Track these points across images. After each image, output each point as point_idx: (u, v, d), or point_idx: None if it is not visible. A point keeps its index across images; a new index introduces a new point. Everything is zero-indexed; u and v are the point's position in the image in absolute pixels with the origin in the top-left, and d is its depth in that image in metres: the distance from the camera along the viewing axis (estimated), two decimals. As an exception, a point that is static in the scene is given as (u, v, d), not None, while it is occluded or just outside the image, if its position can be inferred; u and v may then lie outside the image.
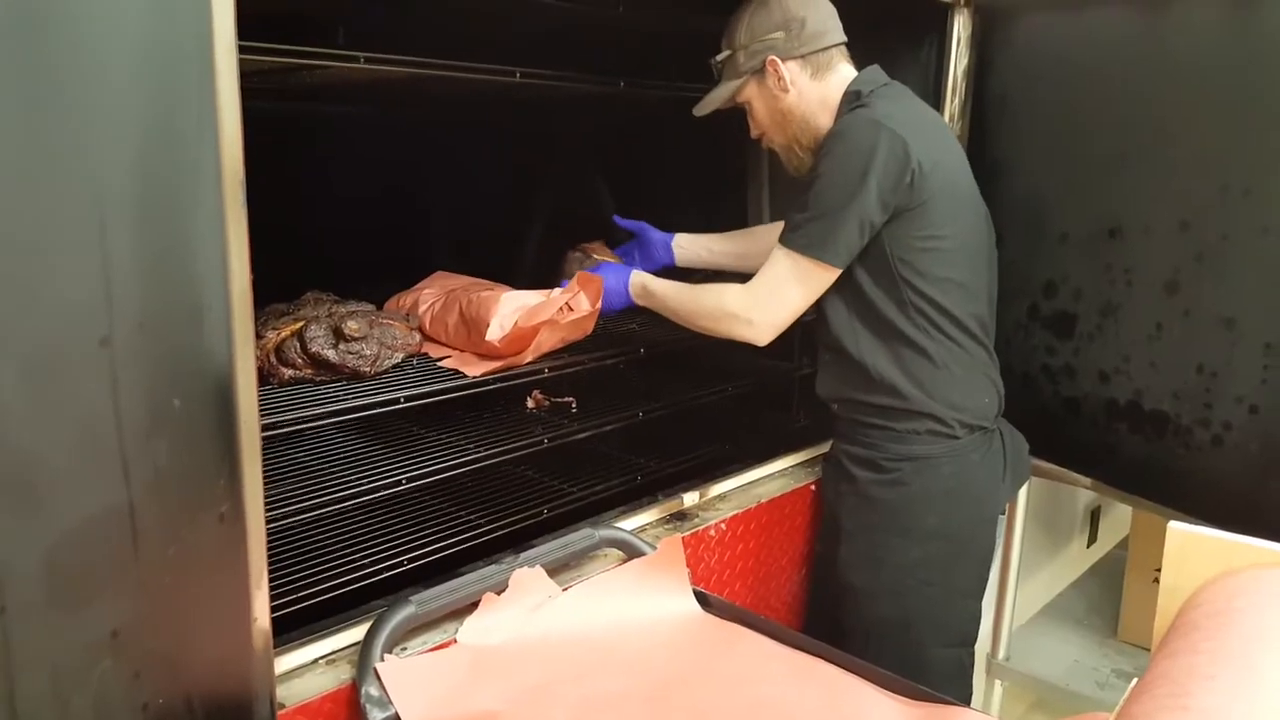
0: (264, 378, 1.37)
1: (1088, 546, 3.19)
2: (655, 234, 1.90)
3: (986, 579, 1.73)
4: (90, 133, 0.74)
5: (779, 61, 1.56)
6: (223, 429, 0.86)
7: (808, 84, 1.58)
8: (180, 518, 0.84)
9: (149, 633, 0.82)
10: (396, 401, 1.34)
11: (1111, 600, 2.81)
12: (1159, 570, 1.09)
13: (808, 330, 1.69)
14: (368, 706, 1.10)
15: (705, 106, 1.64)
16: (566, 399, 1.77)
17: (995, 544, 1.74)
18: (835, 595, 1.69)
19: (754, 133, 1.68)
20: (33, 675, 0.74)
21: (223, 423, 0.86)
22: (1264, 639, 0.90)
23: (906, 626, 1.63)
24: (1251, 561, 1.03)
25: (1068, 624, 2.76)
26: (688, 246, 1.91)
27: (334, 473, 1.39)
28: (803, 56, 1.57)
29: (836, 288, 1.55)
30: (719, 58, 1.62)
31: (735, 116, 1.70)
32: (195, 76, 0.80)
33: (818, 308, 1.59)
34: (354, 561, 1.32)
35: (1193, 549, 1.06)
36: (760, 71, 1.57)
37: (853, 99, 1.56)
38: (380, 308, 1.63)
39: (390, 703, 1.11)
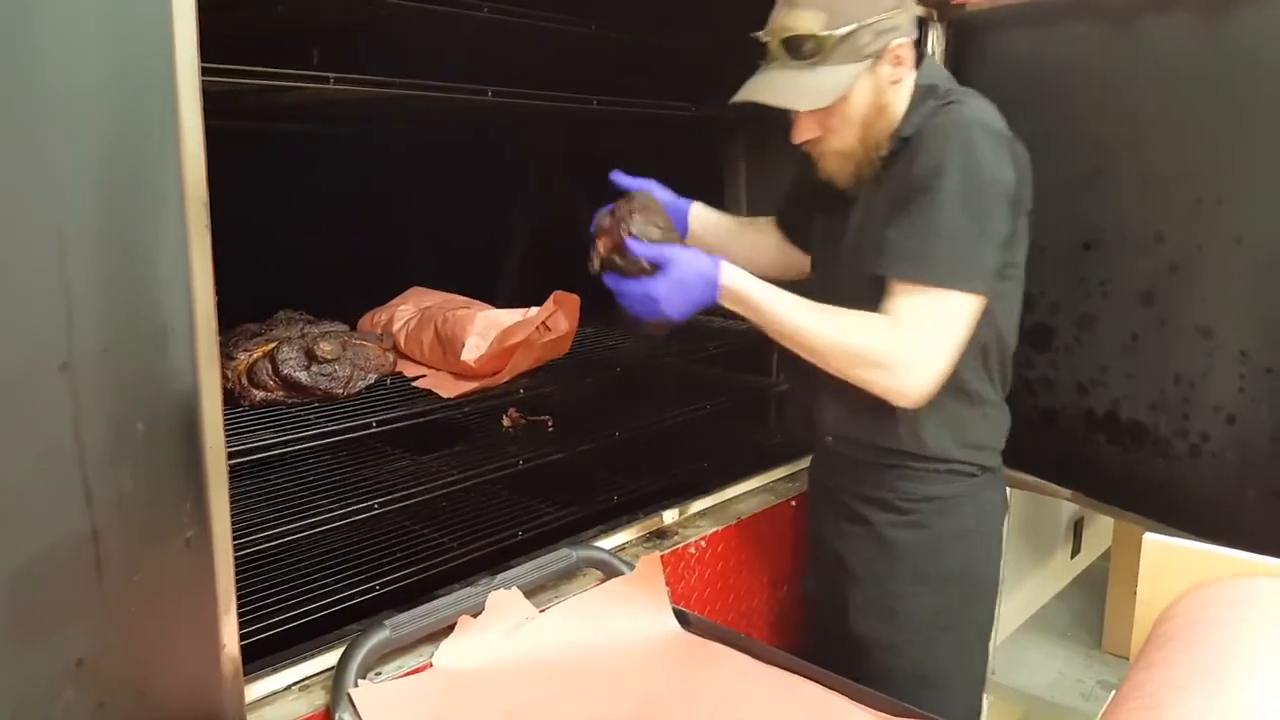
0: (235, 400, 1.36)
1: (1071, 558, 3.20)
2: (668, 199, 1.52)
3: (994, 616, 1.63)
4: (48, 157, 0.73)
5: (905, 45, 1.29)
6: (188, 454, 0.85)
7: (908, 73, 1.33)
8: (145, 544, 0.83)
9: (114, 661, 0.81)
10: (369, 426, 1.33)
11: (1095, 612, 2.82)
12: None
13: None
14: (340, 735, 1.08)
15: (820, 98, 1.28)
16: (543, 418, 1.76)
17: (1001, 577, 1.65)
18: (847, 647, 1.50)
19: (811, 134, 1.34)
20: (-8, 707, 0.73)
21: (188, 447, 0.85)
22: (1236, 649, 0.90)
23: (929, 680, 1.49)
24: (1226, 572, 1.03)
25: (1052, 636, 2.77)
26: (704, 218, 1.59)
27: (306, 497, 1.37)
28: (912, 40, 1.31)
29: None
30: (837, 30, 1.24)
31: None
32: (157, 100, 0.79)
33: None
34: (327, 587, 1.31)
35: (1169, 561, 1.06)
36: (878, 57, 1.28)
37: (932, 94, 1.33)
38: (354, 325, 1.62)
39: (365, 729, 1.09)
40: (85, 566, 0.78)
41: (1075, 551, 3.20)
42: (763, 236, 1.64)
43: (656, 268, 1.27)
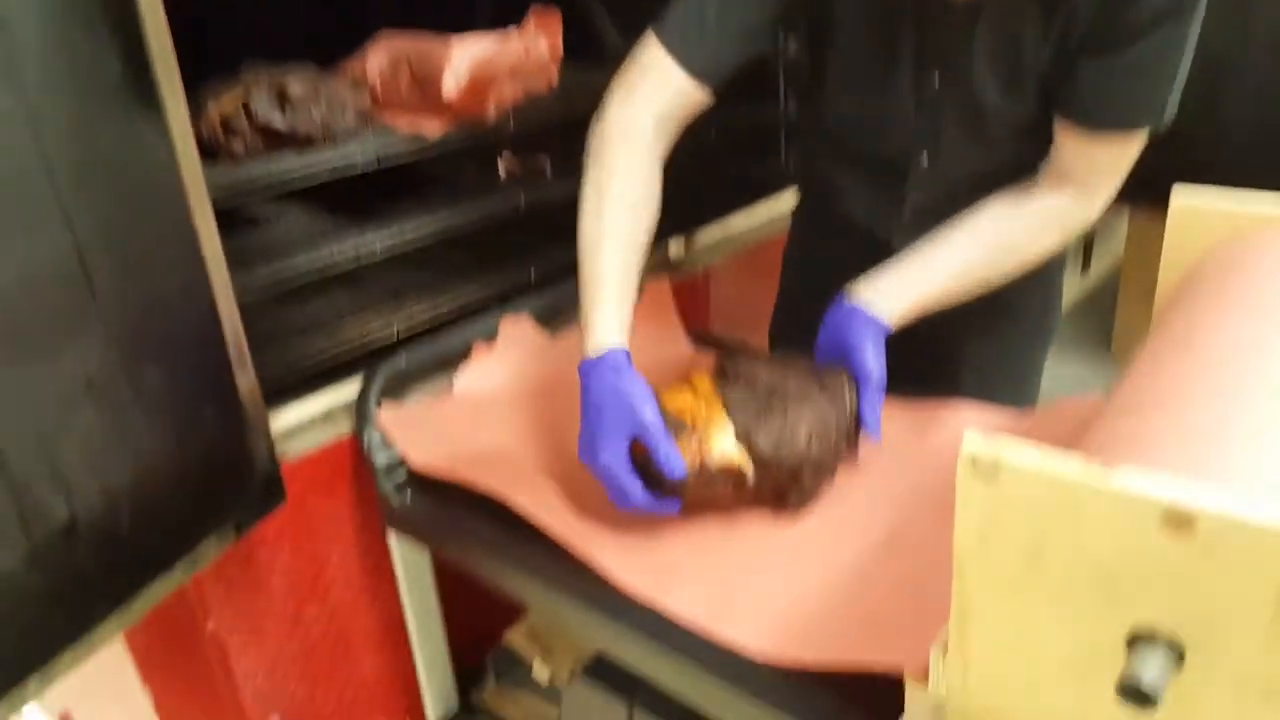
0: (213, 154, 1.29)
1: (1081, 274, 3.20)
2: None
3: None
4: None
5: None
6: (161, 169, 0.80)
7: None
8: (135, 266, 0.80)
9: (126, 383, 0.80)
10: (354, 166, 1.27)
11: (1104, 323, 2.85)
12: (1155, 284, 1.05)
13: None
14: (371, 449, 1.10)
15: None
16: (539, 161, 1.68)
17: None
18: None
19: None
20: (14, 428, 0.72)
21: (160, 162, 0.80)
22: (1269, 284, 0.88)
23: None
24: (1261, 222, 0.99)
25: (1062, 346, 2.79)
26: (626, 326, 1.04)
27: (302, 242, 1.33)
28: None
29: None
30: None
31: None
32: None
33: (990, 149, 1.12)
34: (339, 332, 1.30)
35: (1199, 214, 1.02)
36: None
37: None
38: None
39: (393, 446, 1.11)
40: (77, 285, 0.75)
41: (1085, 268, 3.20)
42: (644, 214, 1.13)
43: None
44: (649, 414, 0.93)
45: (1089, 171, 1.07)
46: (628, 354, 0.99)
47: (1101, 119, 1.04)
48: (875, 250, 1.20)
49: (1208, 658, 0.58)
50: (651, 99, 1.08)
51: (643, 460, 0.95)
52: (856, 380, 1.03)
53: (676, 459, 0.93)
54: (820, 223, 1.39)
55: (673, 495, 0.96)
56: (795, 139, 1.93)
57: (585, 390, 0.98)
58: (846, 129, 1.22)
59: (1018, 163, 1.12)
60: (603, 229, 1.03)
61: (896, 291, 1.05)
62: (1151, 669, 0.58)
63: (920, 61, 1.08)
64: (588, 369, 0.98)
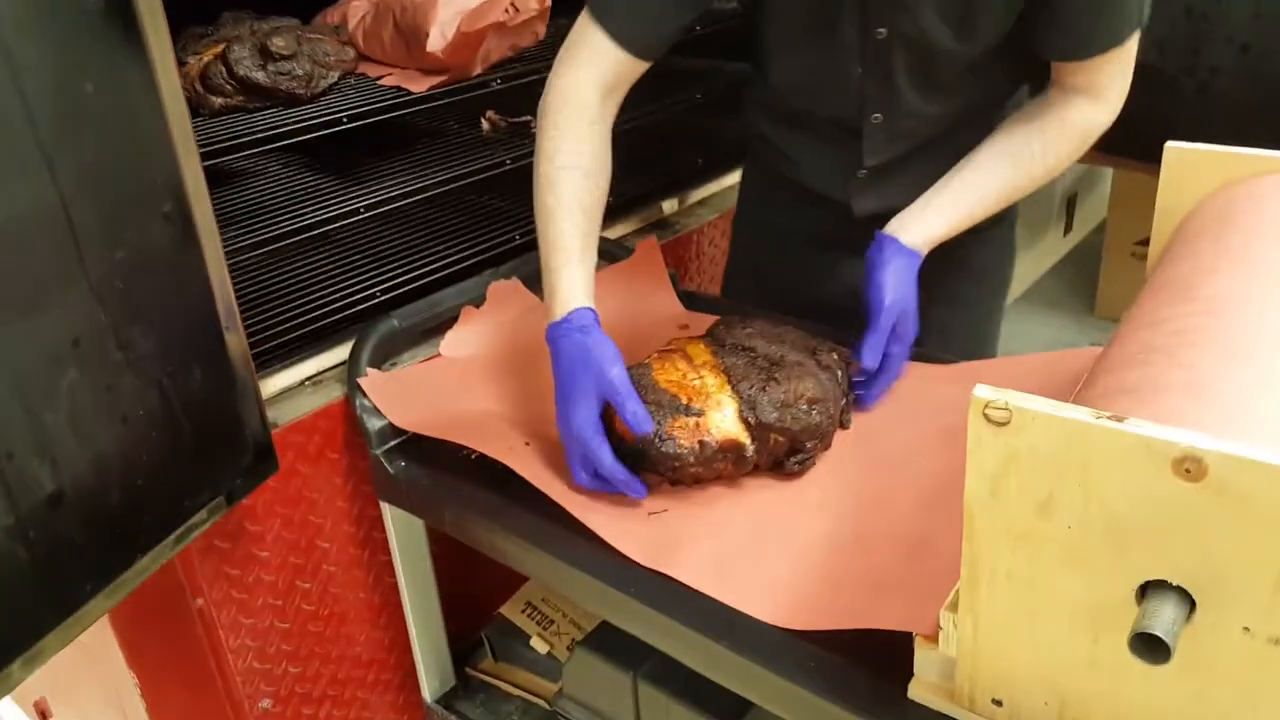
0: (194, 109, 1.26)
1: (1064, 234, 3.19)
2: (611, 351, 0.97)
3: None
4: None
5: None
6: (147, 116, 0.77)
7: None
8: (121, 217, 0.77)
9: (113, 343, 0.77)
10: (340, 122, 1.24)
11: (1087, 284, 2.85)
12: (1137, 244, 1.05)
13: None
14: (363, 415, 1.08)
15: None
16: (524, 117, 1.65)
17: None
18: None
19: None
20: (-3, 392, 0.70)
21: (146, 108, 0.77)
22: (1266, 231, 0.87)
23: None
24: (1254, 170, 0.99)
25: (1044, 307, 2.81)
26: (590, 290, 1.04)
27: (287, 207, 1.30)
28: None
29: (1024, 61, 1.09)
30: None
31: None
32: None
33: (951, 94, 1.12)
34: (326, 294, 1.27)
35: (1192, 165, 1.02)
36: None
37: None
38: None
39: (382, 413, 1.09)
40: (61, 240, 0.72)
41: (1068, 229, 3.20)
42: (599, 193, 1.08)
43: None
44: (616, 374, 0.93)
45: (1093, 84, 1.07)
46: (595, 314, 0.98)
47: (1092, 48, 1.04)
48: (831, 214, 1.20)
49: (1218, 607, 0.58)
50: (592, 70, 1.06)
51: (622, 434, 0.94)
52: (865, 309, 1.05)
53: (644, 416, 0.92)
54: (770, 191, 1.36)
55: (641, 457, 0.94)
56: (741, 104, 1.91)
57: (555, 355, 0.97)
58: (791, 90, 1.20)
59: (972, 105, 1.13)
60: (558, 197, 1.02)
61: (921, 216, 1.07)
62: (1164, 619, 0.57)
63: (864, 12, 1.05)
64: (555, 332, 0.97)
